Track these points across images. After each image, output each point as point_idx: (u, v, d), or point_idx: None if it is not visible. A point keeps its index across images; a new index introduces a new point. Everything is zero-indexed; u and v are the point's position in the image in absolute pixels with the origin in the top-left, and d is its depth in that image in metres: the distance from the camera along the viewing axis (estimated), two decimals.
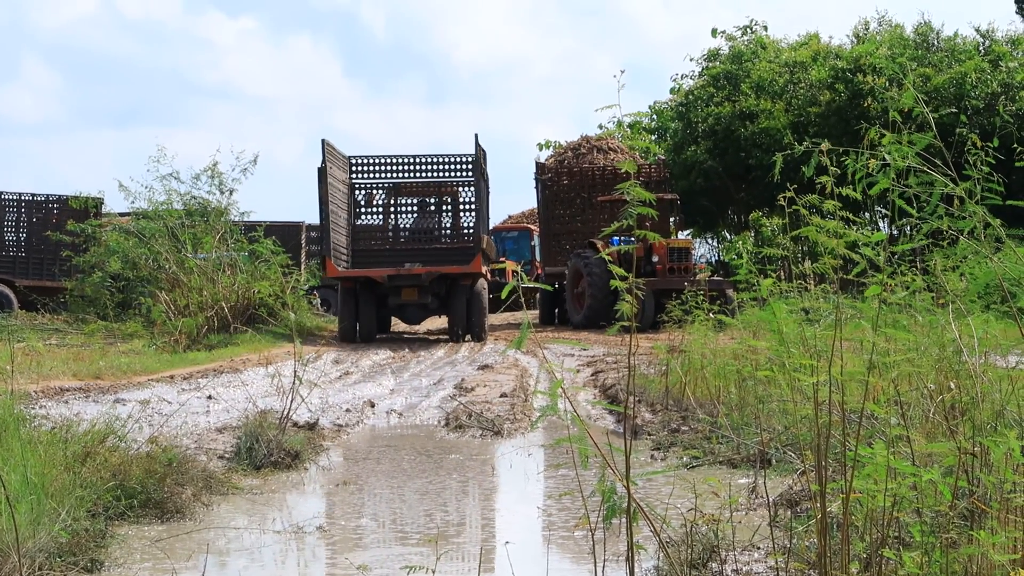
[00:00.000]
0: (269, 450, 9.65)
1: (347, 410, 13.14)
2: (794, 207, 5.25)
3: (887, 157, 4.67)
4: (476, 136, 26.11)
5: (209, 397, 13.51)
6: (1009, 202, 5.30)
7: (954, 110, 28.29)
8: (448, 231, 27.03)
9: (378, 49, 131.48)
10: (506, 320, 30.11)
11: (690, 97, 38.08)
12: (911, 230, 22.17)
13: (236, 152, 35.65)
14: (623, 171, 5.01)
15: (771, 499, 6.65)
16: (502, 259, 35.16)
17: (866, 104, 29.75)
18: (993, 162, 5.07)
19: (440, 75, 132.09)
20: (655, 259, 25.94)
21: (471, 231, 26.23)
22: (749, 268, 8.42)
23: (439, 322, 29.28)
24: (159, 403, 12.27)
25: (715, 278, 24.92)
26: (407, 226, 27.35)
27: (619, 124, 42.15)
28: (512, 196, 78.54)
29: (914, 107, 4.83)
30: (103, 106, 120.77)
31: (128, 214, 28.63)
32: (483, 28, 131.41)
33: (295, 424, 10.76)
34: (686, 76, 40.21)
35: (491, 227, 30.95)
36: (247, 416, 10.47)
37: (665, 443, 10.37)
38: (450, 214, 26.97)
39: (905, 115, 4.88)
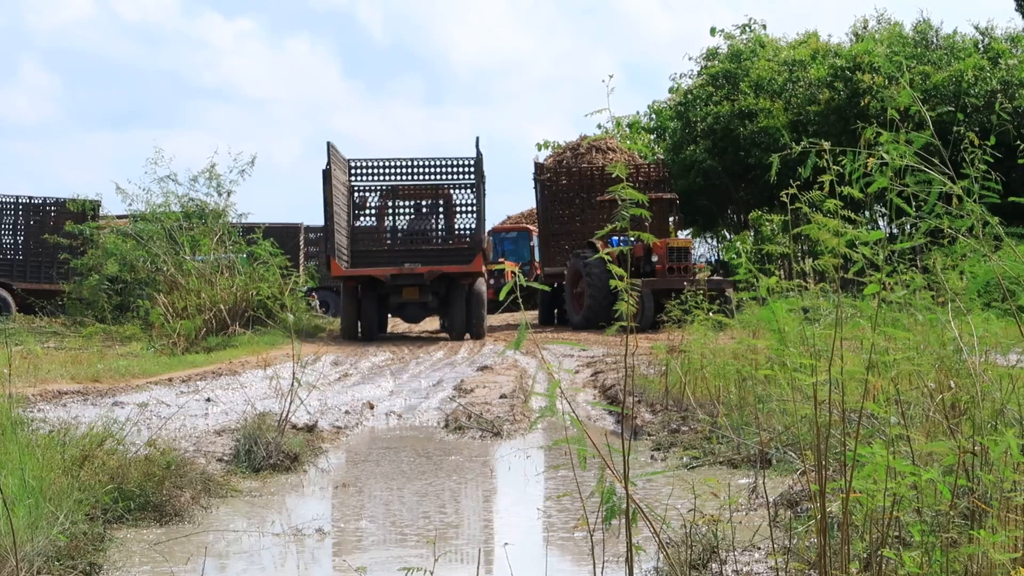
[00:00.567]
0: (268, 452, 9.63)
1: (346, 412, 13.12)
2: (795, 205, 5.24)
3: (885, 156, 4.66)
4: (477, 140, 26.39)
5: (208, 400, 13.49)
6: (1010, 199, 5.28)
7: (951, 108, 28.26)
8: (449, 232, 27.18)
9: (376, 50, 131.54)
10: (505, 321, 30.12)
11: (689, 96, 38.10)
12: (910, 228, 22.17)
13: (234, 154, 34.90)
14: (615, 175, 4.99)
15: (771, 499, 6.64)
16: (501, 260, 35.20)
17: (865, 102, 29.75)
18: (991, 160, 5.06)
19: (438, 76, 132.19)
20: (655, 259, 25.94)
21: (472, 232, 26.54)
22: (748, 267, 8.40)
23: (434, 323, 29.43)
24: (157, 406, 12.25)
25: (715, 278, 24.91)
26: (405, 227, 27.52)
27: (618, 124, 42.17)
28: (511, 196, 78.70)
29: (911, 105, 4.82)
30: (100, 108, 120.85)
31: (126, 216, 28.65)
32: (481, 28, 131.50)
33: (294, 426, 10.74)
34: (685, 75, 40.28)
35: (490, 228, 31.15)
36: (246, 418, 10.44)
37: (665, 443, 10.35)
38: (451, 215, 27.15)
39: (903, 113, 4.86)
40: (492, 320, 29.61)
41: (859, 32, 38.27)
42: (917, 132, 4.70)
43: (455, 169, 27.02)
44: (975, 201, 4.80)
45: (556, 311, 30.18)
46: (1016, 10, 35.58)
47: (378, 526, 7.88)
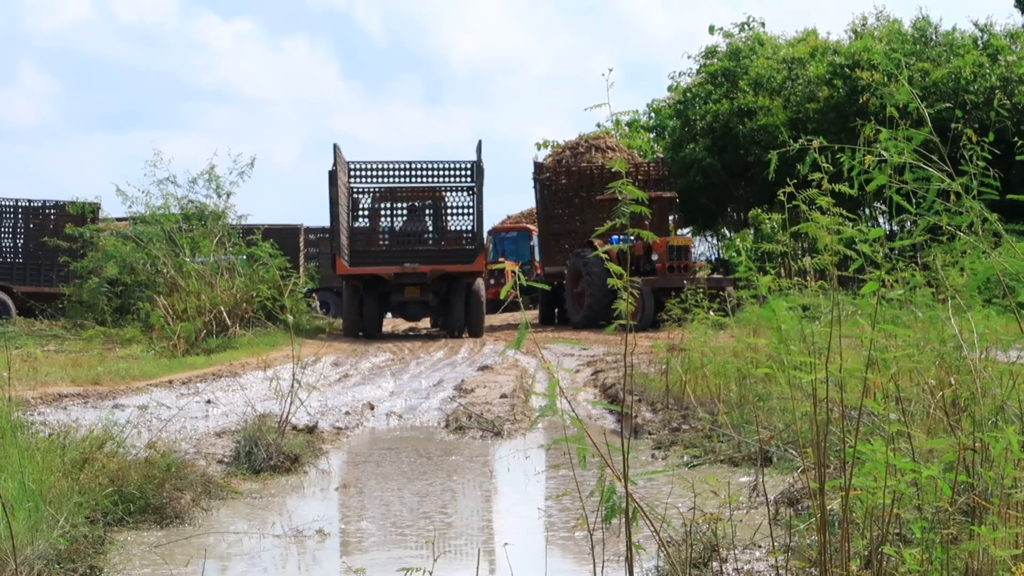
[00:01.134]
0: (268, 454, 9.63)
1: (346, 413, 13.12)
2: (794, 203, 5.23)
3: (884, 153, 4.65)
4: (479, 143, 26.63)
5: (208, 401, 13.48)
6: (1009, 196, 5.28)
7: (950, 105, 28.26)
8: (443, 233, 27.38)
9: (375, 50, 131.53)
10: (505, 320, 30.13)
11: (688, 95, 38.10)
12: (910, 226, 22.18)
13: (233, 155, 35.09)
14: (615, 170, 4.99)
15: (772, 497, 6.63)
16: (501, 259, 35.21)
17: (864, 100, 29.75)
18: (990, 156, 5.05)
19: (437, 75, 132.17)
20: (655, 258, 25.94)
21: (472, 232, 26.83)
22: (748, 265, 8.40)
23: (426, 321, 29.71)
24: (158, 408, 12.24)
25: (715, 276, 24.91)
26: (404, 228, 27.72)
27: (617, 123, 42.15)
28: (511, 196, 78.68)
29: (910, 102, 4.81)
30: (99, 110, 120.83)
31: (125, 219, 28.62)
32: (480, 28, 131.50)
33: (294, 427, 10.73)
34: (684, 74, 40.30)
35: (490, 227, 31.38)
36: (246, 420, 10.43)
37: (665, 442, 10.35)
38: (450, 216, 27.37)
39: (902, 110, 4.86)
40: (492, 319, 29.66)
41: (858, 29, 38.27)
42: (916, 129, 4.69)
43: (453, 172, 27.23)
44: (974, 198, 4.79)
45: (556, 310, 30.19)
46: (1015, 6, 35.57)
47: (379, 527, 7.87)
